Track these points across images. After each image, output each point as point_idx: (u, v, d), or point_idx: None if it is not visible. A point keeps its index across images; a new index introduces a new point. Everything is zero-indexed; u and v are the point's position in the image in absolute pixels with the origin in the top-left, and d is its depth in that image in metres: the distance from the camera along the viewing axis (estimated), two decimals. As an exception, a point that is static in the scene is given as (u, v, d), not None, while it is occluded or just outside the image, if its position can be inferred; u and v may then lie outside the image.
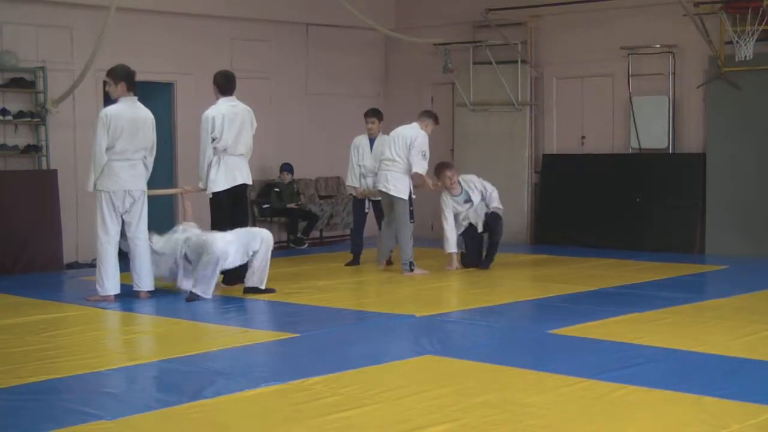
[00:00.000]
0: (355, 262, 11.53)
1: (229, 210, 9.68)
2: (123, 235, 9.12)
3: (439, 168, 11.18)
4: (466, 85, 14.21)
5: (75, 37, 11.99)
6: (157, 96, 12.37)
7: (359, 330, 7.76)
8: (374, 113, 11.59)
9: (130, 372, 6.32)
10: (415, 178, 10.88)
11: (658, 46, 12.78)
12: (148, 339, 7.73)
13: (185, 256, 9.30)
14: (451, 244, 10.95)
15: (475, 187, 11.07)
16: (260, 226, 10.77)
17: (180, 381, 6.06)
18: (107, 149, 8.89)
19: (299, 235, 13.81)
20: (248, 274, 9.35)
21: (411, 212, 10.77)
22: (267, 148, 13.63)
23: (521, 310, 8.77)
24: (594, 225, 13.21)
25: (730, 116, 12.33)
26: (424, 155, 10.74)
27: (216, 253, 8.99)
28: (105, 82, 9.58)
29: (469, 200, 11.05)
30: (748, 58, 11.61)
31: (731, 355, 6.52)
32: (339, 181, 14.66)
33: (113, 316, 8.57)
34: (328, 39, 14.71)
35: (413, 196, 10.85)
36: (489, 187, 11.14)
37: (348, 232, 13.16)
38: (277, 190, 13.75)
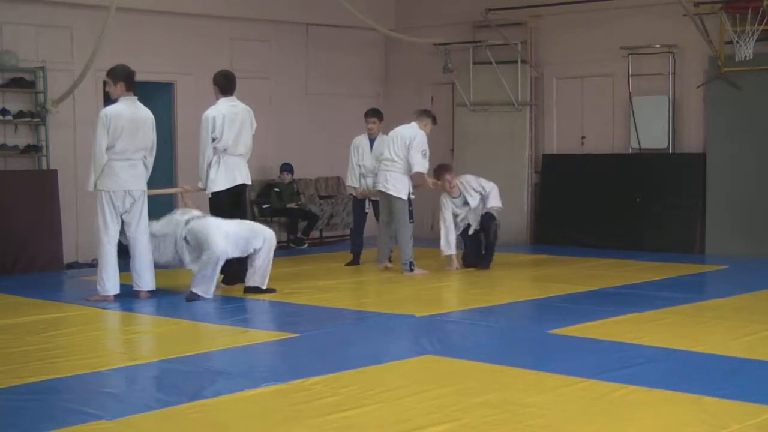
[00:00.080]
0: (355, 262, 11.53)
1: (229, 210, 9.68)
2: (122, 232, 9.12)
3: (439, 171, 11.17)
4: (466, 85, 14.21)
5: (75, 37, 11.99)
6: (157, 96, 12.37)
7: (359, 330, 7.77)
8: (374, 113, 11.59)
9: (130, 372, 6.32)
10: (415, 177, 10.88)
11: (658, 46, 12.78)
12: (148, 339, 7.73)
13: (185, 239, 9.27)
14: (451, 245, 10.94)
15: (473, 189, 11.03)
16: (261, 226, 10.78)
17: (180, 381, 6.06)
18: (107, 149, 8.90)
19: (299, 235, 13.81)
20: (249, 273, 9.34)
21: (410, 212, 10.77)
22: (267, 148, 13.63)
23: (521, 310, 8.77)
24: (594, 225, 13.21)
25: (730, 116, 12.33)
26: (424, 154, 10.73)
27: (216, 252, 8.98)
28: (105, 82, 9.59)
29: (467, 203, 11.03)
30: (748, 58, 11.61)
31: (731, 355, 6.52)
32: (339, 181, 14.66)
33: (113, 316, 8.57)
34: (328, 39, 14.71)
35: (412, 196, 10.85)
36: (488, 186, 11.08)
37: (348, 232, 13.16)
38: (277, 190, 13.75)
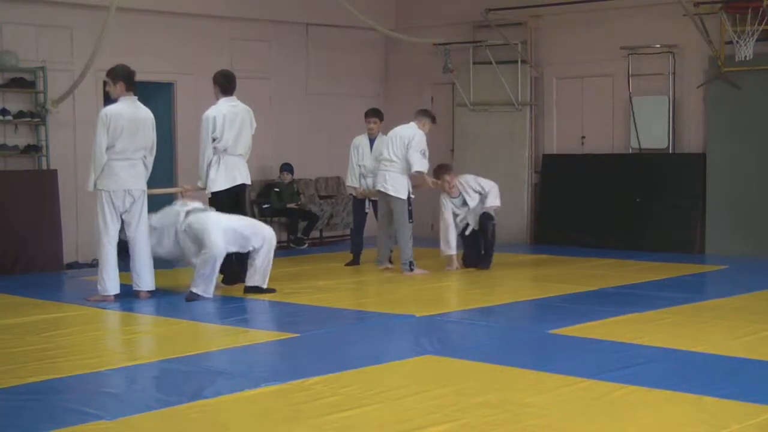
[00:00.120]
0: (355, 262, 11.52)
1: (229, 210, 9.68)
2: (122, 229, 9.11)
3: (438, 171, 11.16)
4: (466, 85, 14.21)
5: (75, 37, 11.99)
6: (157, 96, 12.37)
7: (359, 330, 7.76)
8: (375, 113, 11.59)
9: (130, 372, 6.31)
10: (415, 177, 10.88)
11: (658, 46, 12.78)
12: (148, 339, 7.73)
13: (186, 232, 9.25)
14: (451, 245, 10.93)
15: (472, 189, 11.03)
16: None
17: (180, 381, 6.05)
18: (107, 149, 8.90)
19: (299, 235, 13.81)
20: (250, 273, 9.33)
21: (410, 212, 10.77)
22: (267, 148, 13.64)
23: (521, 310, 8.76)
24: (594, 225, 13.21)
25: (730, 116, 12.33)
26: (423, 153, 10.73)
27: (213, 251, 8.97)
28: (105, 82, 9.60)
29: (466, 204, 11.03)
30: (748, 58, 11.61)
31: (731, 355, 6.52)
32: (339, 181, 14.66)
33: (113, 316, 8.56)
34: (328, 39, 14.71)
35: (412, 196, 10.85)
36: (487, 185, 11.07)
37: (348, 232, 13.16)
38: (277, 190, 13.75)
